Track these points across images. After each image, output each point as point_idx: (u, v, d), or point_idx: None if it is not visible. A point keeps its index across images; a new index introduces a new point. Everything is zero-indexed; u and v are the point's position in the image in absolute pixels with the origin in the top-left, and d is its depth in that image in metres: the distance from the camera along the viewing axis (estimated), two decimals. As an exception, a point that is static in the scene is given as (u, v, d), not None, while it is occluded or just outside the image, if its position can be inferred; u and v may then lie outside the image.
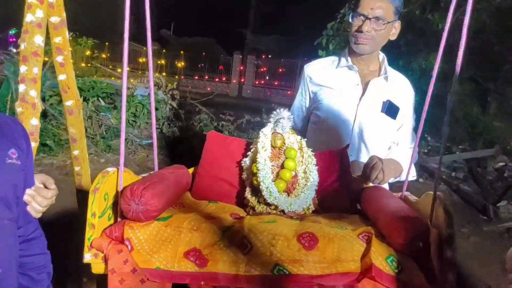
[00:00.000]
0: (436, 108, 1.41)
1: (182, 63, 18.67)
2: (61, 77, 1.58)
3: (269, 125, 1.61)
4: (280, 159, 1.56)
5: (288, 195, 1.52)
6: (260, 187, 1.49)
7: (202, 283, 1.21)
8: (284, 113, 1.60)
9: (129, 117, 6.61)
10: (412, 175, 1.61)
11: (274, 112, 1.61)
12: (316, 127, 1.89)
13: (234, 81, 18.40)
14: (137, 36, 17.30)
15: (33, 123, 1.37)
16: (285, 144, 1.58)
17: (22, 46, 1.34)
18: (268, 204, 1.50)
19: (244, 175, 1.59)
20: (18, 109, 1.37)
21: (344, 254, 1.18)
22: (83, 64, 11.49)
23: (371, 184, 1.63)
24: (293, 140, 1.59)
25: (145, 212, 1.26)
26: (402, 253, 1.18)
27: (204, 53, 19.17)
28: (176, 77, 16.16)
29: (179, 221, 1.30)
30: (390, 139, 1.87)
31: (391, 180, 1.70)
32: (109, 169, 1.35)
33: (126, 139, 6.39)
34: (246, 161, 1.59)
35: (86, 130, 6.00)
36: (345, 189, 1.56)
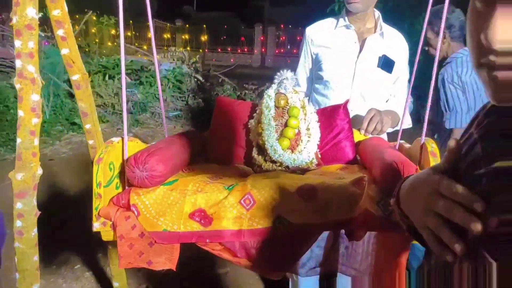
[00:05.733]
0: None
1: (206, 37, 18.70)
2: (64, 51, 1.53)
3: (273, 86, 1.66)
4: (284, 118, 1.62)
5: (292, 151, 1.59)
6: (265, 146, 1.56)
7: (207, 240, 1.27)
8: (287, 74, 1.65)
9: (155, 91, 6.74)
10: (408, 124, 1.68)
11: (278, 74, 1.67)
12: (320, 86, 1.95)
13: (256, 51, 18.52)
14: (160, 13, 17.45)
15: (34, 98, 1.31)
16: (288, 103, 1.63)
17: (14, 20, 1.25)
18: (273, 162, 1.57)
19: (251, 136, 1.66)
20: (17, 86, 1.29)
21: (340, 202, 1.25)
22: (109, 43, 11.60)
23: (370, 136, 1.70)
24: (296, 99, 1.64)
25: (150, 178, 1.29)
26: (392, 197, 1.24)
27: (225, 26, 19.24)
28: (201, 51, 16.22)
29: (184, 184, 1.34)
30: (388, 91, 1.93)
31: (389, 129, 1.78)
32: (114, 139, 1.37)
33: (153, 113, 6.55)
34: (252, 122, 1.66)
35: (113, 107, 6.20)
36: (345, 142, 1.62)
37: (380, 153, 1.37)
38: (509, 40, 0.42)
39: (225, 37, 19.43)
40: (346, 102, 1.68)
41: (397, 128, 1.78)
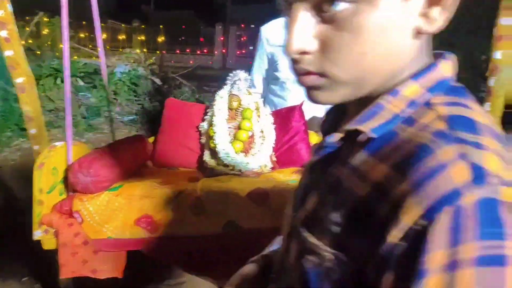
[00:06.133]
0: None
1: (163, 38, 18.47)
2: (8, 53, 1.47)
3: (226, 87, 1.62)
4: (237, 120, 1.58)
5: (245, 155, 1.54)
6: (217, 149, 1.51)
7: (155, 248, 1.23)
8: (240, 74, 1.61)
9: (110, 94, 6.54)
10: None
11: (231, 74, 1.62)
12: (276, 87, 1.90)
13: (217, 52, 18.42)
14: (116, 14, 17.11)
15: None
16: (241, 105, 1.59)
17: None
18: (226, 166, 1.52)
19: (203, 139, 1.61)
20: None
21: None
22: (61, 45, 11.25)
23: None
24: (250, 101, 1.60)
25: (94, 183, 1.25)
26: None
27: (184, 26, 19.10)
28: (158, 52, 15.99)
29: (131, 189, 1.30)
30: None
31: None
32: (57, 143, 1.32)
33: (108, 117, 6.36)
34: (204, 125, 1.61)
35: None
36: (301, 144, 1.59)
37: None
38: (299, 50, 0.47)
39: (183, 37, 19.26)
40: (302, 103, 1.64)
41: None
